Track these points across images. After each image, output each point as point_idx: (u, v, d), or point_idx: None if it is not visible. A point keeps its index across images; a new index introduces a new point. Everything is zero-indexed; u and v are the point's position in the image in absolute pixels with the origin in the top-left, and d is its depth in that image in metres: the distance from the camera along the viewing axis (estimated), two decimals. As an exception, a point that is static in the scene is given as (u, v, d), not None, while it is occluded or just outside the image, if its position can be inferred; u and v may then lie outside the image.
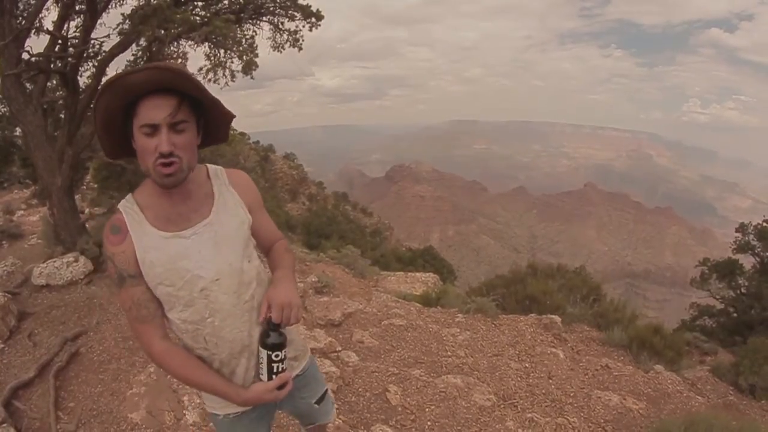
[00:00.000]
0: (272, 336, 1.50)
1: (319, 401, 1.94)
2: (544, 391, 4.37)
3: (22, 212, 13.07)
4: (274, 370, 1.52)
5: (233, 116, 1.53)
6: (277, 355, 1.51)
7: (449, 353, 5.00)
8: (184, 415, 3.61)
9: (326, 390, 1.99)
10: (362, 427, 3.64)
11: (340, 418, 3.63)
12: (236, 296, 1.53)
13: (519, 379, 4.55)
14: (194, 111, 1.42)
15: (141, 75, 1.29)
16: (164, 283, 1.46)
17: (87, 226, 7.12)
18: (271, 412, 1.85)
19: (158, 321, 1.51)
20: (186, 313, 1.50)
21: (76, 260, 6.03)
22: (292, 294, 1.54)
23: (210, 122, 1.51)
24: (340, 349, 4.81)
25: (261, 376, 1.54)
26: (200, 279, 1.48)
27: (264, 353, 1.51)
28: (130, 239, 1.44)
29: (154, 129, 1.33)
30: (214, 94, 1.44)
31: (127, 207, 1.48)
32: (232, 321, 1.53)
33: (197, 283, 1.48)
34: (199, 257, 1.48)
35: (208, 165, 1.63)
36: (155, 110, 1.33)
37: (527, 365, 4.83)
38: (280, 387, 1.54)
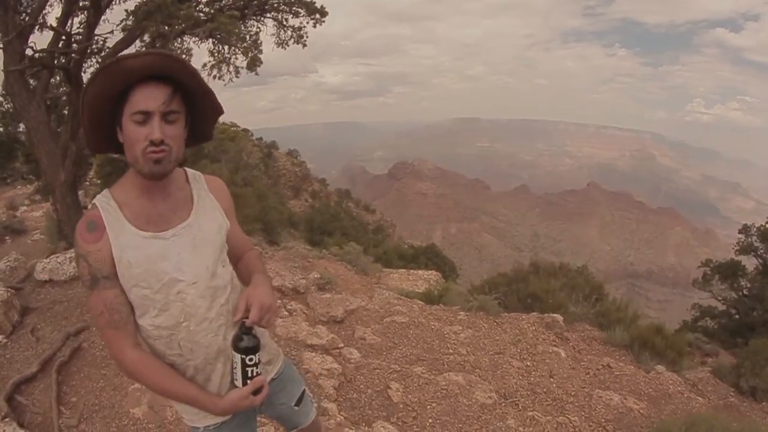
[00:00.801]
0: (245, 339, 1.46)
1: (298, 403, 1.91)
2: (545, 389, 4.37)
3: (25, 208, 13.13)
4: (249, 375, 1.48)
5: (222, 111, 1.52)
6: (251, 359, 1.47)
7: (451, 351, 5.01)
8: (186, 410, 3.62)
9: (304, 390, 1.95)
10: (364, 424, 3.64)
11: (341, 415, 3.63)
12: (212, 300, 1.50)
13: (520, 377, 4.55)
14: (184, 104, 1.41)
15: (140, 60, 1.27)
16: (141, 284, 1.41)
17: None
18: (252, 418, 1.80)
19: (130, 327, 1.45)
20: (160, 318, 1.45)
21: (79, 255, 6.04)
22: (271, 297, 1.53)
23: (197, 119, 1.49)
24: (342, 345, 4.82)
25: (236, 381, 1.50)
26: (178, 282, 1.44)
27: (238, 357, 1.47)
28: (106, 237, 1.38)
29: (146, 117, 1.31)
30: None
31: (104, 203, 1.43)
32: (208, 325, 1.50)
33: (174, 286, 1.44)
34: (178, 259, 1.44)
35: (187, 169, 1.61)
36: (149, 98, 1.31)
37: (529, 364, 4.83)
38: (256, 392, 1.50)
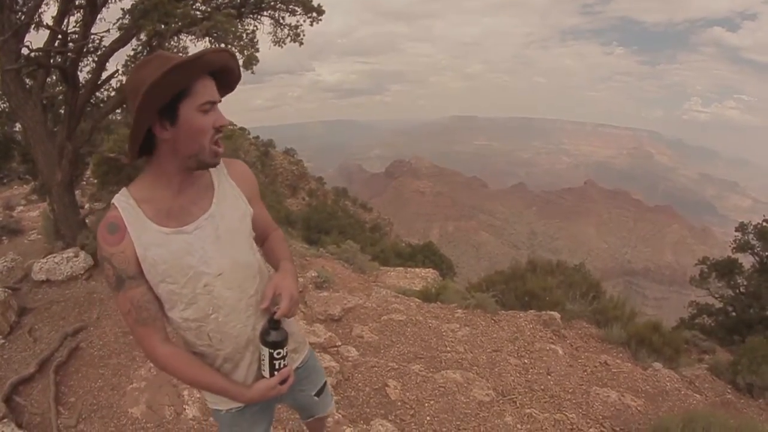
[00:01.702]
0: (273, 334, 1.48)
1: (319, 393, 1.94)
2: (542, 387, 4.38)
3: (22, 208, 13.07)
4: (276, 367, 1.52)
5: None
6: (279, 353, 1.50)
7: (448, 348, 5.01)
8: (184, 409, 3.62)
9: (325, 382, 1.99)
10: (362, 422, 3.65)
11: (339, 413, 3.64)
12: (240, 290, 1.51)
13: (518, 374, 4.56)
14: None
15: (219, 56, 1.37)
16: (167, 280, 1.42)
17: (87, 221, 7.12)
18: (272, 404, 1.85)
19: (159, 323, 1.47)
20: (189, 311, 1.46)
21: (76, 255, 6.03)
22: (296, 288, 1.56)
23: None
24: (339, 343, 4.82)
25: (263, 372, 1.53)
26: (204, 275, 1.44)
27: (266, 351, 1.50)
28: (128, 237, 1.38)
29: (212, 106, 1.38)
30: None
31: (123, 202, 1.42)
32: (236, 316, 1.51)
33: (201, 279, 1.44)
34: (203, 252, 1.45)
35: None
36: (211, 89, 1.38)
37: (526, 361, 4.84)
38: (282, 382, 1.54)
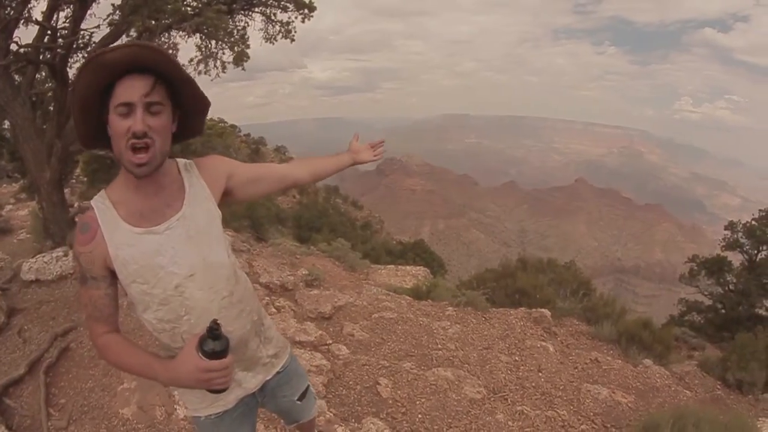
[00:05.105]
0: (211, 343, 1.34)
1: (301, 398, 1.92)
2: (534, 384, 4.40)
3: (10, 207, 12.92)
4: None
5: (209, 103, 1.50)
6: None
7: (439, 346, 5.02)
8: (175, 410, 3.60)
9: (308, 386, 1.96)
10: (353, 420, 3.65)
11: (330, 411, 3.63)
12: (212, 292, 1.49)
13: (509, 372, 4.58)
14: (170, 97, 1.39)
15: (118, 52, 1.26)
16: (138, 281, 1.41)
17: (76, 220, 7.06)
18: (253, 410, 1.82)
19: (111, 320, 1.47)
20: (162, 312, 1.46)
21: (66, 255, 5.97)
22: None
23: (185, 112, 1.48)
24: (330, 342, 4.82)
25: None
26: (174, 275, 1.43)
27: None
28: (99, 238, 1.40)
29: (129, 109, 1.30)
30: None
31: (99, 203, 1.43)
32: (209, 318, 1.44)
33: (171, 280, 1.43)
34: (173, 253, 1.43)
35: (178, 160, 1.58)
36: (131, 89, 1.29)
37: (517, 358, 4.86)
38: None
